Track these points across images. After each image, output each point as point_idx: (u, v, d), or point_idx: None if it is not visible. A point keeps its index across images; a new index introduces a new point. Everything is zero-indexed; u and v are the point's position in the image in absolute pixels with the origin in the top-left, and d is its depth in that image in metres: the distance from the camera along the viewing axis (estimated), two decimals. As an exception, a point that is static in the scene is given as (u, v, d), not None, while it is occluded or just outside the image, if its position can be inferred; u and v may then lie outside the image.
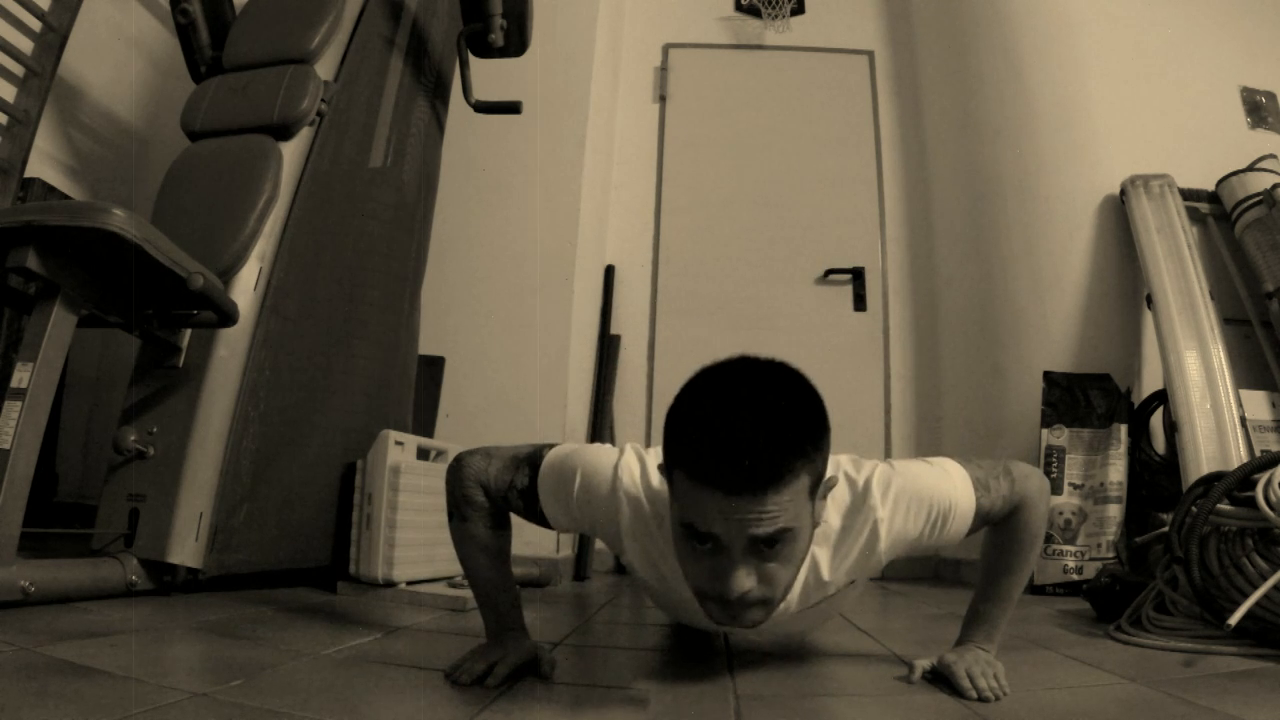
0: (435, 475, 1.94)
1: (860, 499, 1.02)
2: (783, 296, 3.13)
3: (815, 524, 0.93)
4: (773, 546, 0.85)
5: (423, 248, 2.27)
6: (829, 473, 0.94)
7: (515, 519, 1.13)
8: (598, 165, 3.03)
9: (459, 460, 1.11)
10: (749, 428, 0.82)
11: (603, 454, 1.07)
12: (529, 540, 2.37)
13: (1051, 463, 2.41)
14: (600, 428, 2.82)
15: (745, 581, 0.85)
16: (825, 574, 1.03)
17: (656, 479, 1.02)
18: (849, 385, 3.02)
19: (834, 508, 1.02)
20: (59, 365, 1.39)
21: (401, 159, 2.14)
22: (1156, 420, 2.45)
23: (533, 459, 1.09)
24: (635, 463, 1.04)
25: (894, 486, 1.02)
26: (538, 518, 1.09)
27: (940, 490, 1.03)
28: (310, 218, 1.83)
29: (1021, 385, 2.61)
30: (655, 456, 1.03)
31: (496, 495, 1.09)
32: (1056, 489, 2.39)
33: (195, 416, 1.61)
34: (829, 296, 3.12)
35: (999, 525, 1.10)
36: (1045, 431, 2.46)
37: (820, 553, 1.02)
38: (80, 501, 2.42)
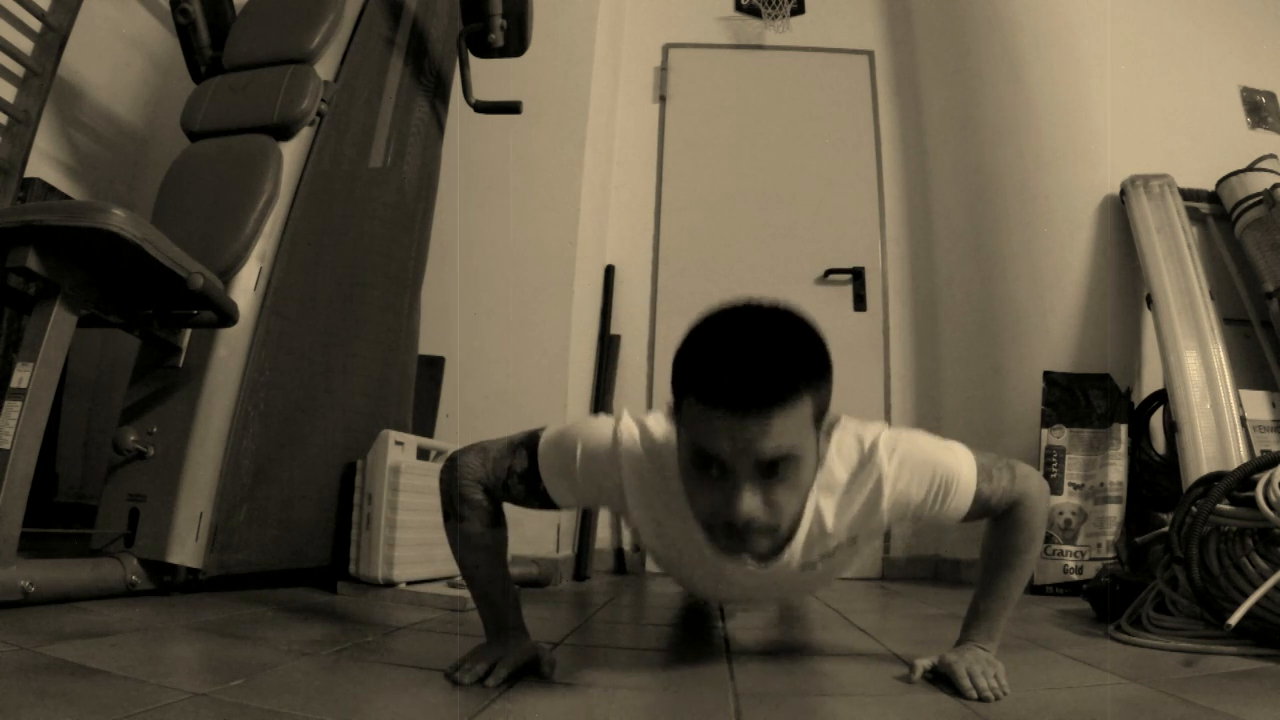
0: (435, 475, 1.93)
1: (867, 456, 1.04)
2: (783, 296, 3.12)
3: (819, 459, 0.96)
4: (777, 472, 0.88)
5: (423, 248, 2.27)
6: (836, 420, 0.96)
7: (513, 515, 1.13)
8: (598, 165, 3.03)
9: (452, 460, 1.11)
10: (755, 350, 0.86)
11: (600, 423, 1.09)
12: (529, 540, 2.37)
13: (1051, 463, 2.42)
14: (600, 428, 2.81)
15: (751, 503, 0.88)
16: (829, 523, 1.04)
17: (660, 432, 1.04)
18: (849, 385, 2.97)
19: (840, 462, 1.04)
20: (59, 365, 1.39)
21: (401, 159, 2.14)
22: (1156, 420, 2.45)
23: (529, 442, 1.09)
24: (633, 425, 1.06)
25: (900, 448, 1.05)
26: (540, 499, 1.09)
27: (944, 461, 1.05)
28: (310, 218, 1.83)
29: (1021, 385, 2.61)
30: (654, 419, 1.06)
31: (495, 486, 1.08)
32: (1056, 489, 2.39)
33: (195, 416, 1.61)
34: (829, 296, 3.12)
35: (999, 523, 1.11)
36: (1045, 431, 2.46)
37: (825, 503, 1.04)
38: (80, 501, 2.43)
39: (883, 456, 1.03)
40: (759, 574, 1.07)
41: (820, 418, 0.92)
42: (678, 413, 0.93)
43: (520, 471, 1.08)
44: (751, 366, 0.85)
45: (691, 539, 1.04)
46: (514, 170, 2.83)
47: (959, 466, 1.05)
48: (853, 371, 3.05)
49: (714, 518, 0.92)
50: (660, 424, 1.05)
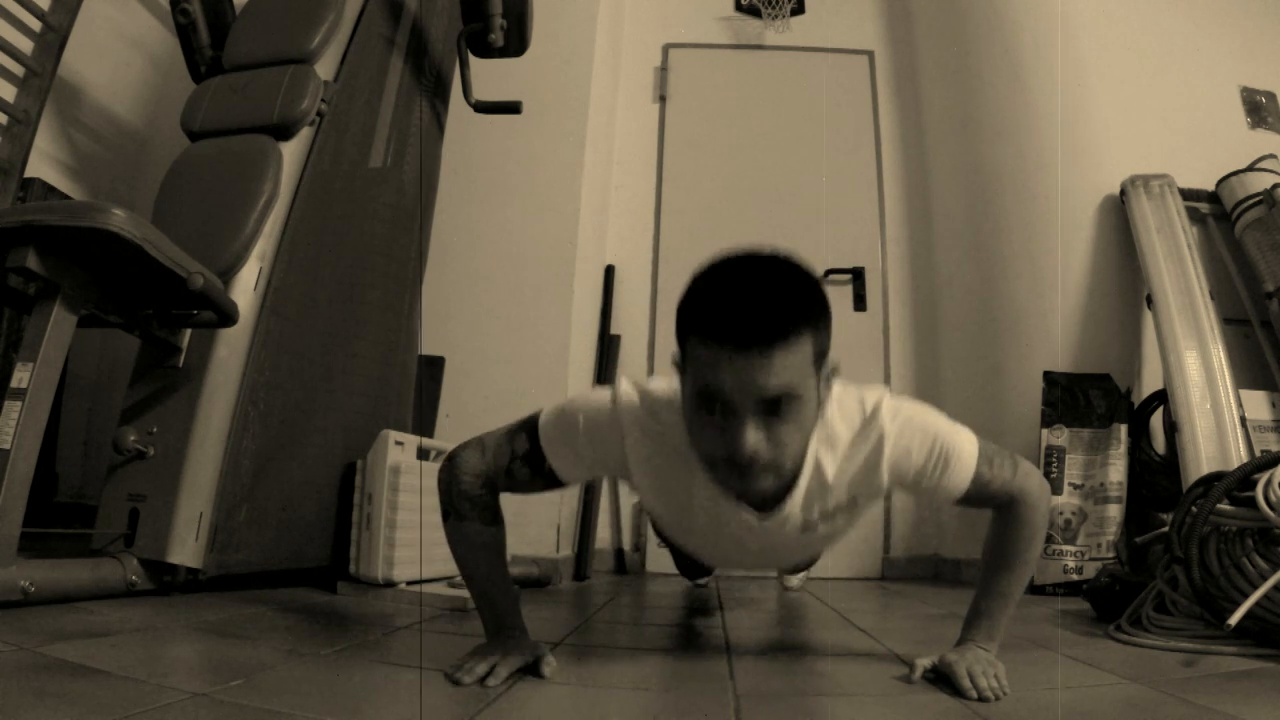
0: (435, 475, 1.94)
1: (870, 416, 1.06)
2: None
3: (819, 405, 0.98)
4: (779, 409, 0.91)
5: (423, 248, 2.27)
6: (836, 367, 0.99)
7: (513, 515, 1.13)
8: (598, 165, 3.03)
9: (451, 458, 1.11)
10: (757, 289, 0.90)
11: (598, 391, 1.10)
12: (529, 540, 2.37)
13: (1051, 463, 2.41)
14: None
15: (754, 439, 0.90)
16: (829, 476, 1.05)
17: (660, 389, 1.06)
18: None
19: (842, 421, 1.05)
20: (59, 365, 1.39)
21: (401, 159, 2.14)
22: (1156, 420, 2.45)
23: (527, 425, 1.10)
24: (632, 388, 1.07)
25: (904, 413, 1.06)
26: (545, 478, 1.09)
27: (947, 433, 1.07)
28: (310, 218, 1.83)
29: (1021, 385, 2.61)
30: (654, 381, 1.09)
31: (496, 475, 1.08)
32: (1056, 489, 2.39)
33: (195, 416, 1.60)
34: (829, 296, 3.12)
35: (999, 520, 1.11)
36: (1045, 431, 2.45)
37: (826, 457, 1.05)
38: (80, 501, 2.43)
39: (885, 417, 1.05)
40: (759, 529, 1.08)
41: (820, 361, 0.95)
42: (682, 357, 0.96)
43: (523, 454, 1.08)
44: (753, 304, 0.88)
45: (694, 495, 1.07)
46: (514, 170, 2.83)
47: (961, 443, 1.07)
48: (853, 372, 3.02)
49: (718, 457, 0.94)
50: (660, 384, 1.07)
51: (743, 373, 0.88)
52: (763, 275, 0.92)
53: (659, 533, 1.73)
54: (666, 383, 1.06)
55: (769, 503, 1.06)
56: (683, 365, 0.96)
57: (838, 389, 1.05)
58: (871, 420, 1.05)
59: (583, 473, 1.12)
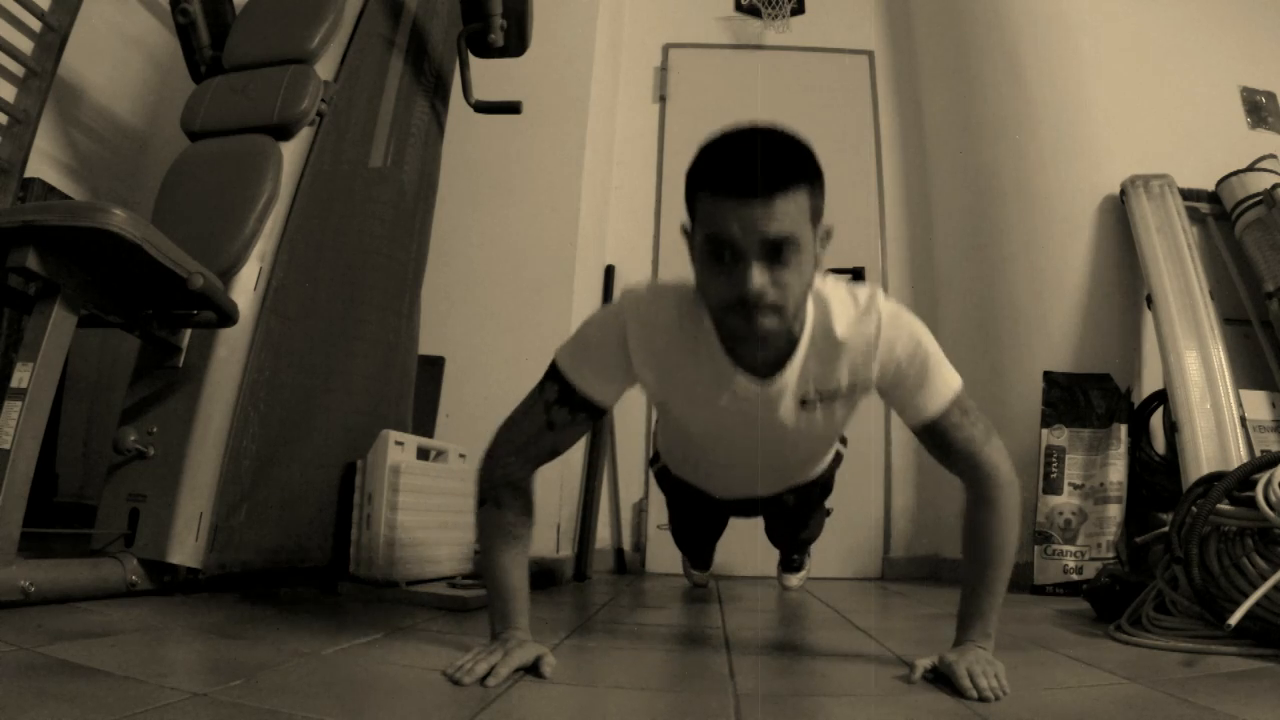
0: (435, 475, 1.94)
1: (868, 303, 1.14)
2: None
3: (817, 261, 1.06)
4: (780, 255, 0.99)
5: (423, 248, 2.27)
6: (830, 231, 1.08)
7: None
8: (598, 165, 3.03)
9: (489, 450, 1.16)
10: (757, 146, 0.99)
11: (601, 309, 1.21)
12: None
13: (1051, 463, 2.41)
14: (600, 428, 2.82)
15: (759, 279, 0.99)
16: (837, 331, 1.12)
17: (666, 279, 1.18)
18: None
19: (841, 307, 1.13)
20: (59, 365, 1.39)
21: (401, 159, 2.14)
22: (1156, 420, 2.45)
23: (547, 372, 1.16)
24: (631, 288, 1.18)
25: (901, 313, 1.15)
26: (584, 410, 1.15)
27: (933, 351, 1.14)
28: (310, 218, 1.83)
29: (1021, 385, 2.61)
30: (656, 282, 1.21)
31: (539, 438, 1.14)
32: (1056, 489, 2.39)
33: (195, 416, 1.60)
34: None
35: (973, 508, 1.13)
36: (1045, 431, 2.45)
37: (831, 312, 1.13)
38: (80, 501, 2.42)
39: (882, 305, 1.13)
40: (760, 396, 1.15)
41: (816, 219, 1.04)
42: (692, 219, 1.06)
43: (553, 400, 1.14)
44: (755, 159, 0.98)
45: (699, 372, 1.14)
46: (514, 170, 2.83)
47: (945, 371, 1.14)
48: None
49: (727, 302, 1.02)
50: (663, 280, 1.19)
51: (747, 218, 0.97)
52: (763, 138, 1.01)
53: (664, 484, 1.77)
54: (670, 278, 1.17)
55: (769, 371, 1.14)
56: (692, 227, 1.06)
57: (836, 283, 1.15)
58: (870, 304, 1.13)
59: (611, 387, 1.17)
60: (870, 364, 1.13)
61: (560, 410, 1.14)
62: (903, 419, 1.18)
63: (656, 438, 1.76)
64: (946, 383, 1.13)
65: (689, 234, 1.07)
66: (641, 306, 1.14)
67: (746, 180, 0.97)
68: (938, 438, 1.14)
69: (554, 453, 1.18)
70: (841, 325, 1.12)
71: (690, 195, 1.05)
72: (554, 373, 1.15)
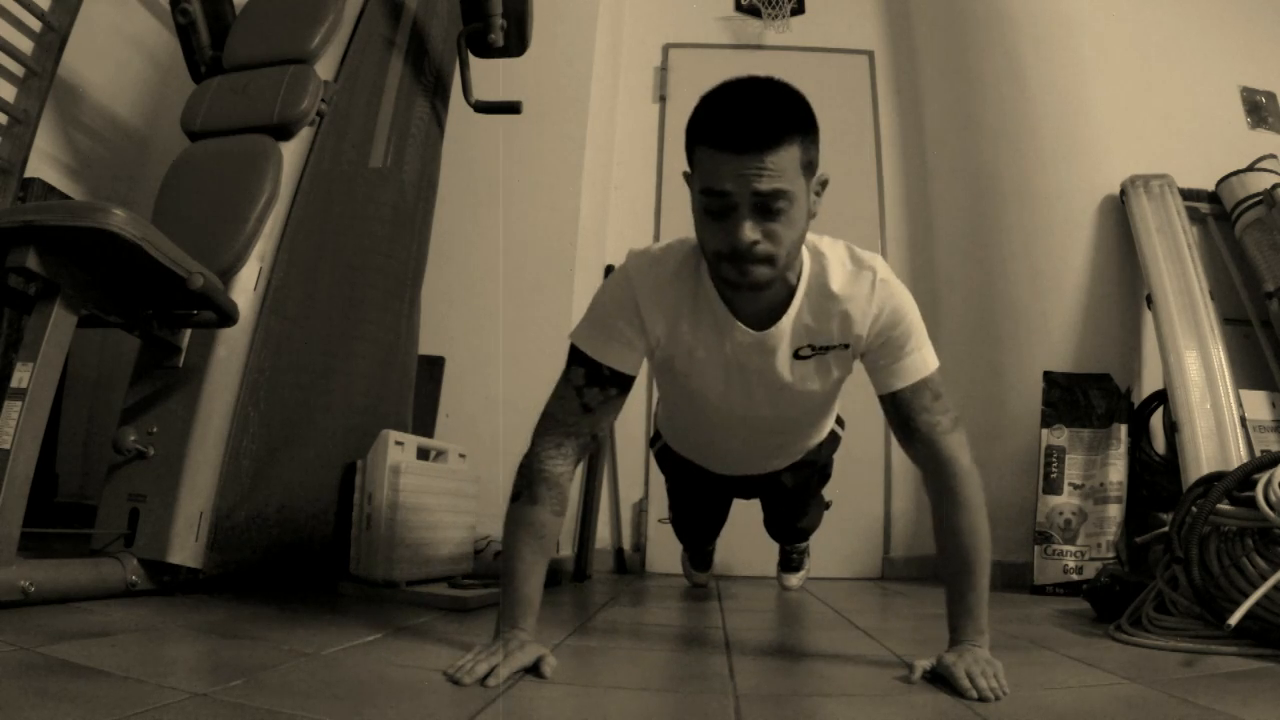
0: (435, 475, 1.94)
1: (863, 261, 1.18)
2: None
3: (810, 212, 1.09)
4: (772, 208, 1.02)
5: (423, 248, 2.27)
6: (825, 180, 1.11)
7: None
8: (598, 165, 3.03)
9: (530, 449, 1.17)
10: (752, 102, 1.03)
11: (606, 280, 1.24)
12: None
13: (1051, 463, 2.42)
14: (600, 428, 2.81)
15: (751, 231, 1.03)
16: (833, 285, 1.16)
17: (669, 240, 1.21)
18: (848, 386, 3.01)
19: (838, 264, 1.17)
20: (59, 365, 1.39)
21: (401, 159, 2.14)
22: (1156, 420, 2.45)
23: (569, 363, 1.19)
24: (635, 250, 1.21)
25: (895, 279, 1.19)
26: (614, 384, 1.17)
27: (920, 324, 1.19)
28: (310, 218, 1.83)
29: (1021, 385, 2.61)
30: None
31: (578, 426, 1.16)
32: (1056, 489, 2.39)
33: (195, 416, 1.60)
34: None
35: (939, 505, 1.17)
36: (1045, 431, 2.46)
37: (828, 268, 1.16)
38: (80, 501, 2.42)
39: (879, 266, 1.17)
40: (756, 344, 1.18)
41: (810, 171, 1.06)
42: (692, 173, 1.08)
43: (582, 383, 1.17)
44: (749, 114, 1.02)
45: (699, 320, 1.17)
46: (514, 170, 2.83)
47: (926, 350, 1.19)
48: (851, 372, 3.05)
49: (722, 252, 1.05)
50: (670, 239, 1.22)
51: (739, 172, 1.00)
52: (758, 91, 1.04)
53: (664, 464, 1.78)
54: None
55: (766, 322, 1.17)
56: (693, 177, 1.08)
57: (835, 242, 1.19)
58: (867, 265, 1.17)
59: (633, 354, 1.19)
60: (863, 321, 1.16)
61: (592, 391, 1.16)
62: (874, 384, 1.21)
63: (657, 416, 1.75)
64: (925, 360, 1.18)
65: (690, 181, 1.10)
66: (646, 262, 1.18)
67: (739, 135, 1.00)
68: (902, 411, 1.17)
69: (594, 438, 1.20)
70: (837, 281, 1.16)
71: (690, 147, 1.08)
72: (576, 356, 1.18)
